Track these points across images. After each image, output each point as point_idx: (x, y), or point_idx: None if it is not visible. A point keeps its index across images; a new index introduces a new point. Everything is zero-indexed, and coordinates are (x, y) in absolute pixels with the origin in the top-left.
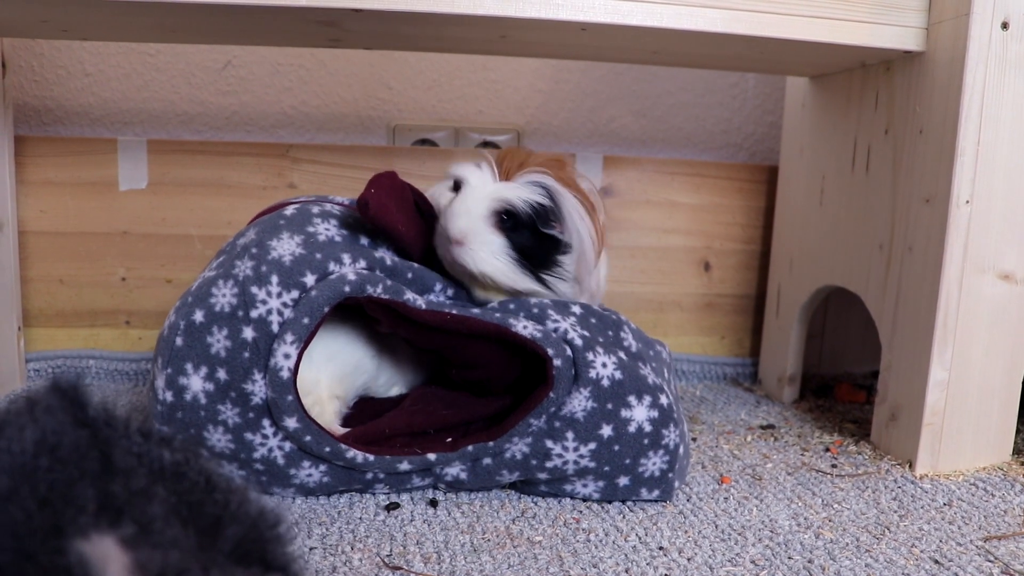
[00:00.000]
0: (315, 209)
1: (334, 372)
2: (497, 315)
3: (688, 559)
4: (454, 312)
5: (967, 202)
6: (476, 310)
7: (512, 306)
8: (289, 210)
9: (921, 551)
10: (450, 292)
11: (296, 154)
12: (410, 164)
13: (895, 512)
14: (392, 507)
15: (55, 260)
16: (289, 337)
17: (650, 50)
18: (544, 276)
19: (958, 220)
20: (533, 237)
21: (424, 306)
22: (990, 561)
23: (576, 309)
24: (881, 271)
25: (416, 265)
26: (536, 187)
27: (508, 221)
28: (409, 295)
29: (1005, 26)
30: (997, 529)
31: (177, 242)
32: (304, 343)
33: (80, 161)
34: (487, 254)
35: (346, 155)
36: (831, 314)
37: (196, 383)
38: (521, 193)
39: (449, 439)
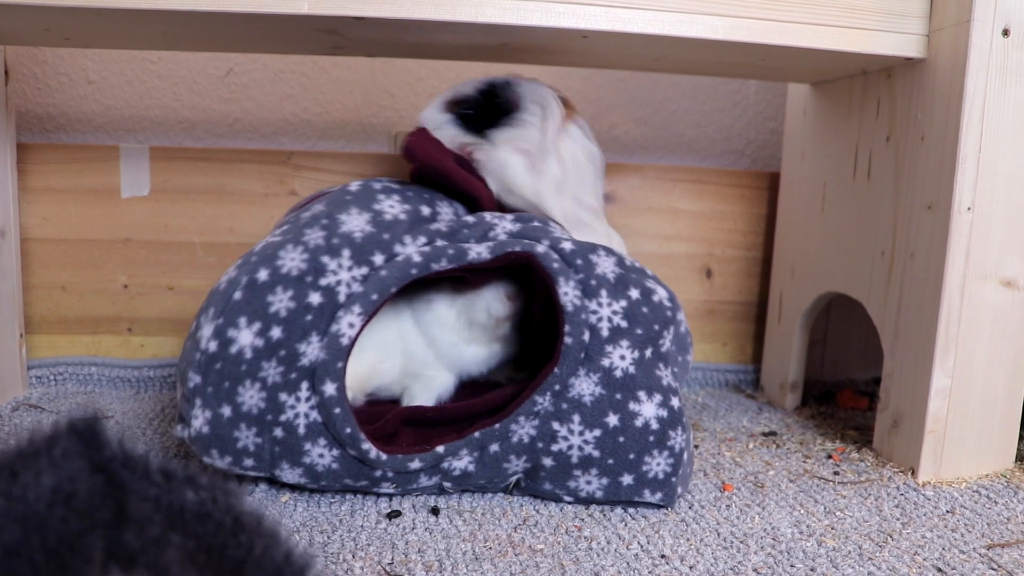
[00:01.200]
0: (377, 185)
1: (352, 365)
2: (556, 265)
3: (690, 567)
4: (517, 250)
5: (969, 209)
6: (541, 249)
7: (580, 262)
8: (354, 186)
9: (924, 559)
10: (515, 225)
11: (298, 161)
12: None
13: (898, 520)
14: (394, 515)
15: (57, 267)
16: (357, 308)
17: (652, 57)
18: (488, 131)
19: (960, 227)
20: (482, 109)
21: (489, 255)
22: (993, 569)
23: (634, 294)
24: (883, 278)
25: (470, 218)
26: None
27: (459, 105)
28: (472, 252)
29: (1006, 33)
30: (1000, 537)
31: (179, 249)
32: (368, 318)
33: (82, 168)
34: (437, 131)
35: (348, 162)
36: (833, 321)
37: (246, 337)
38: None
39: (455, 431)
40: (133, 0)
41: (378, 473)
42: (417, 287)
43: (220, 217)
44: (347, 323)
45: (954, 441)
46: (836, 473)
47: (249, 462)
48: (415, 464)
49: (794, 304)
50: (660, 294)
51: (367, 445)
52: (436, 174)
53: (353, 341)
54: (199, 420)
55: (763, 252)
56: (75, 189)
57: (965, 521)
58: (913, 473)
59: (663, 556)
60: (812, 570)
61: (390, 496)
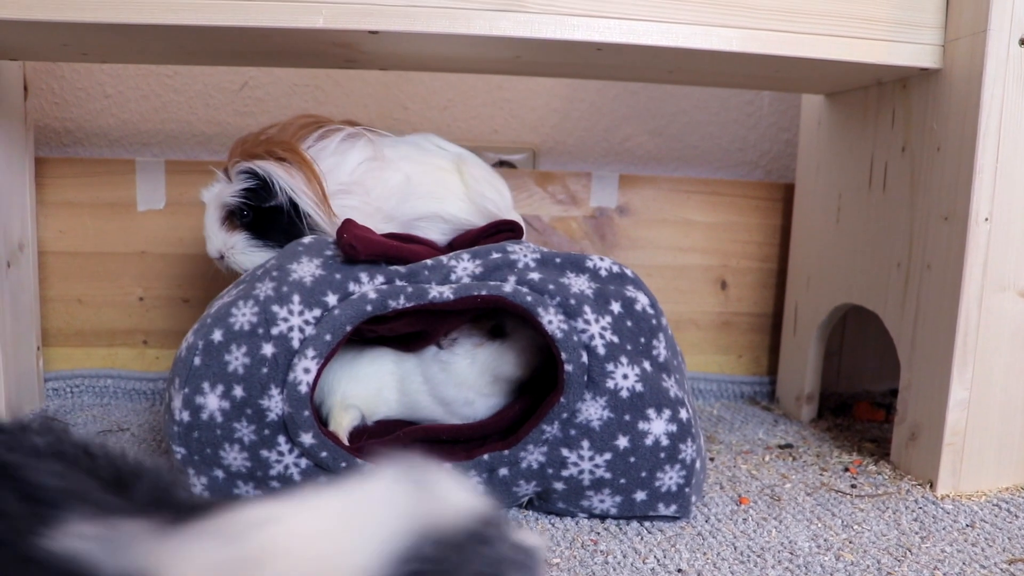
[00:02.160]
0: (329, 239)
1: (353, 389)
2: (529, 299)
3: None
4: (483, 294)
5: (986, 220)
6: (508, 288)
7: (552, 287)
8: (306, 239)
9: (944, 574)
10: (476, 264)
11: None
12: None
13: (916, 534)
14: None
15: (74, 280)
16: (310, 352)
17: (666, 69)
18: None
19: (977, 238)
20: (266, 216)
21: (452, 295)
22: None
23: (616, 308)
24: (899, 289)
25: (428, 261)
26: (241, 175)
27: (244, 215)
28: (434, 292)
29: (1023, 43)
30: (1022, 551)
31: (194, 262)
32: (324, 360)
33: (99, 182)
34: (240, 255)
35: None
36: (849, 332)
37: (212, 402)
38: (230, 190)
39: (464, 451)
40: (149, 15)
41: None
42: (426, 341)
43: None
44: (302, 369)
45: (973, 454)
46: (853, 486)
47: None
48: None
49: (810, 316)
50: (642, 301)
51: (369, 468)
52: (386, 259)
53: (312, 387)
54: (197, 488)
55: (778, 263)
56: (91, 202)
57: (985, 535)
58: (932, 486)
59: (680, 570)
60: None
61: None
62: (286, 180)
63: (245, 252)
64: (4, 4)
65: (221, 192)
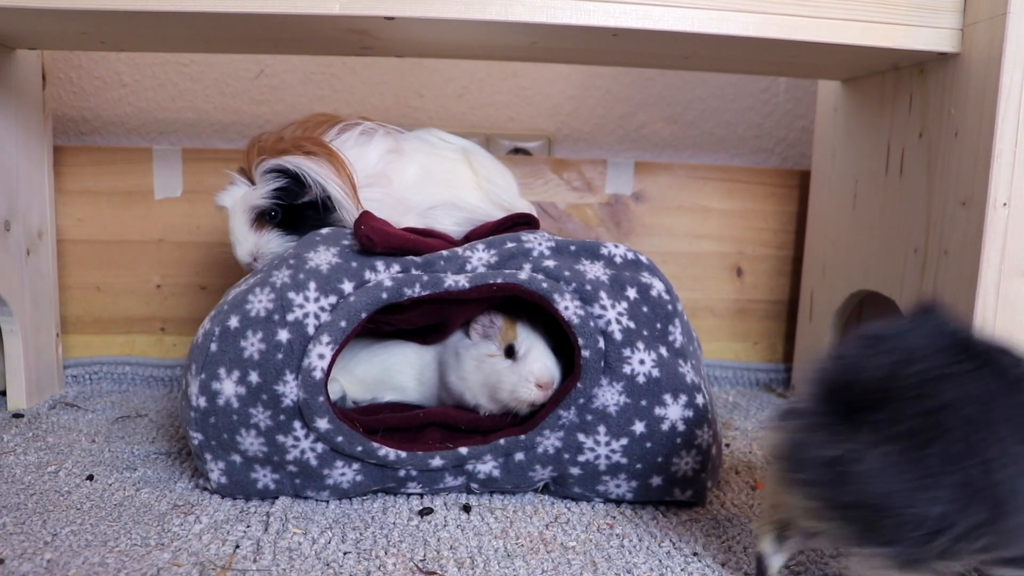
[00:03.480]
0: (346, 229)
1: (364, 368)
2: (545, 285)
3: (722, 564)
4: (499, 282)
5: (1004, 205)
6: (524, 276)
7: (567, 274)
8: (324, 230)
9: None
10: (491, 254)
11: None
12: None
13: None
14: (426, 512)
15: (92, 268)
16: (325, 338)
17: (682, 55)
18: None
19: (995, 223)
20: (295, 213)
21: (468, 284)
22: None
23: (631, 293)
24: (916, 275)
25: (444, 252)
26: (268, 175)
27: (273, 215)
28: (449, 280)
29: None
30: None
31: (211, 250)
32: (339, 346)
33: (116, 170)
34: (276, 253)
35: None
36: (865, 319)
37: (228, 387)
38: (260, 191)
39: (481, 435)
40: (167, 2)
41: (402, 473)
42: (443, 334)
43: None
44: (317, 355)
45: None
46: None
47: (275, 494)
48: (436, 462)
49: (826, 302)
50: (657, 287)
51: (384, 450)
52: (402, 251)
53: (327, 373)
54: (215, 473)
55: (794, 250)
56: (109, 191)
57: None
58: None
59: (695, 554)
60: (846, 568)
61: (420, 495)
62: (320, 173)
63: (284, 248)
64: None
65: (248, 195)
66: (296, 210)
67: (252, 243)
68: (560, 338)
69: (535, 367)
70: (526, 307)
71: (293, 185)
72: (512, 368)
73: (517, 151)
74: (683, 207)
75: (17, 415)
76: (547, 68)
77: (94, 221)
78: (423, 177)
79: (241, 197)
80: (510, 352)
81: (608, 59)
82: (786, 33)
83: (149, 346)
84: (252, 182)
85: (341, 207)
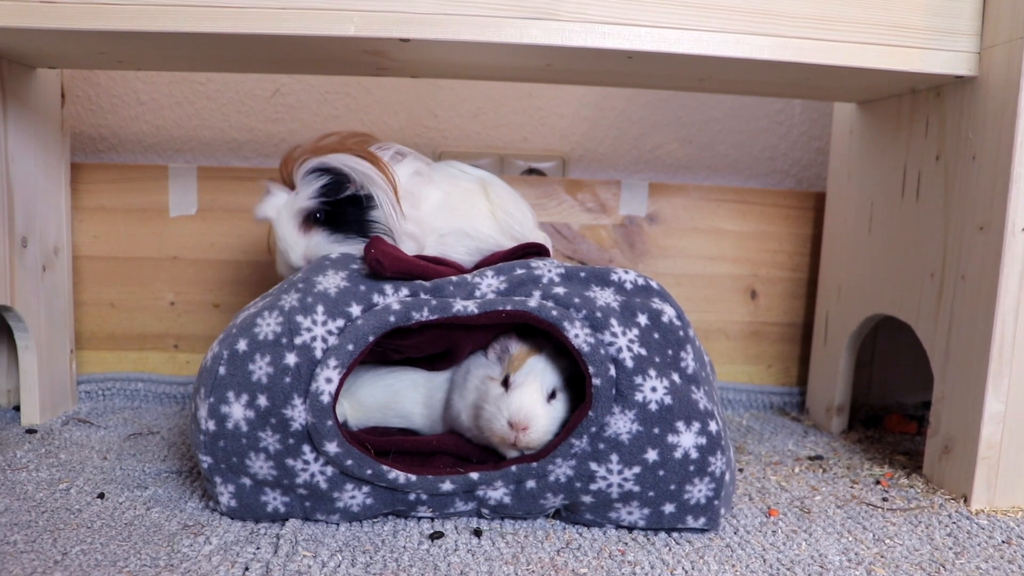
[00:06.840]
0: (356, 254)
1: (371, 393)
2: (555, 312)
3: None
4: (508, 308)
5: (1023, 230)
6: (533, 303)
7: (577, 301)
8: (334, 254)
9: None
10: (501, 281)
11: None
12: None
13: (950, 549)
14: (436, 536)
15: (107, 284)
16: (332, 362)
17: (697, 77)
18: (372, 232)
19: (1014, 248)
20: (339, 211)
21: (477, 309)
22: None
23: (642, 320)
24: (933, 300)
25: (453, 278)
26: (311, 175)
27: (318, 216)
28: (458, 305)
29: None
30: None
31: (225, 267)
32: (347, 370)
33: (132, 187)
34: (326, 252)
35: None
36: (881, 342)
37: (237, 411)
38: (305, 193)
39: (492, 461)
40: (185, 23)
41: (412, 497)
42: (451, 361)
43: (266, 236)
44: (324, 379)
45: (1009, 468)
46: (885, 499)
47: (285, 517)
48: (447, 486)
49: (841, 326)
50: (668, 313)
51: (394, 474)
52: (411, 276)
53: (335, 397)
54: (225, 496)
55: (809, 273)
56: (125, 208)
57: (1022, 552)
58: (966, 501)
59: None
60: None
61: (431, 519)
62: (363, 166)
63: (330, 248)
64: (46, 15)
65: (292, 200)
66: (338, 207)
67: (303, 246)
68: (574, 365)
69: (513, 404)
70: (542, 332)
71: (335, 181)
72: (499, 397)
73: (531, 171)
74: (697, 229)
75: (31, 430)
76: (561, 89)
77: (109, 238)
78: (443, 203)
79: (285, 204)
80: (506, 382)
81: (623, 81)
82: (802, 56)
83: (162, 363)
84: (291, 189)
85: (382, 202)
